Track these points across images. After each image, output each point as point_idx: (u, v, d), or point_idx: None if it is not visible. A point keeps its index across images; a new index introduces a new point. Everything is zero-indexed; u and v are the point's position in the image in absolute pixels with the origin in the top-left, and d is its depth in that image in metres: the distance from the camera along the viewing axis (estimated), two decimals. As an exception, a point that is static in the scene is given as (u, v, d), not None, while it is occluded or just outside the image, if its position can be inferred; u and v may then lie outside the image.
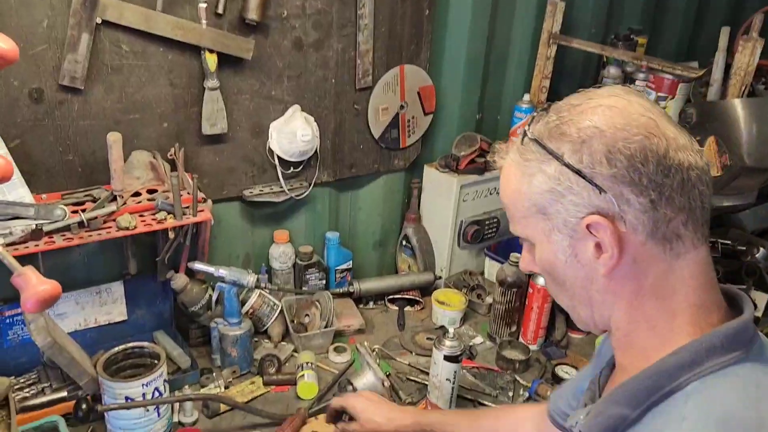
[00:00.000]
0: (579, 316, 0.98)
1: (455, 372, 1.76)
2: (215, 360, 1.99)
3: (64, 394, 1.67)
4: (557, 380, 2.03)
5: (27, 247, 1.60)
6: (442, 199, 2.43)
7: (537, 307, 2.14)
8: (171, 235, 1.81)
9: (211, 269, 1.89)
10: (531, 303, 2.15)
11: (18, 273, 1.04)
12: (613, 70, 2.37)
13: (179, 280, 1.92)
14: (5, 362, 1.79)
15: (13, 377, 1.73)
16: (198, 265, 1.90)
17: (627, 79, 2.34)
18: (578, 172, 0.85)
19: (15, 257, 1.48)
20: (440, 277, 2.48)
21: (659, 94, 2.27)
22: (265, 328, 2.13)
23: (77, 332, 1.89)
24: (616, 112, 0.86)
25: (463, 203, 2.43)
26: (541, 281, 2.15)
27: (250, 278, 1.90)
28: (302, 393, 1.88)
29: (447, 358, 1.74)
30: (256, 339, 2.08)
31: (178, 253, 1.95)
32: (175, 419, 1.75)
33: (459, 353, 1.76)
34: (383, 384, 1.80)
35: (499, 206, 2.53)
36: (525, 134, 0.93)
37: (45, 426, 1.62)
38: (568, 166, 0.86)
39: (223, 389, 1.88)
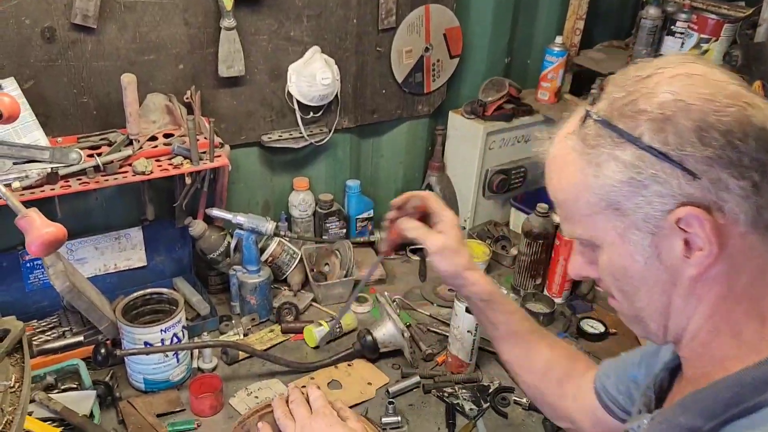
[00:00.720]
0: (647, 327, 0.84)
1: (476, 324, 1.72)
2: (234, 307, 1.98)
3: (83, 338, 1.67)
4: (582, 334, 1.98)
5: (43, 191, 1.57)
6: (468, 147, 2.35)
7: (563, 260, 2.08)
8: (188, 180, 1.77)
9: (229, 216, 1.86)
10: (557, 255, 2.08)
11: (22, 215, 1.01)
12: (652, 11, 2.22)
13: (197, 227, 1.89)
14: (26, 306, 1.80)
15: (34, 320, 1.75)
16: (216, 212, 1.87)
17: (668, 20, 2.20)
18: (664, 156, 0.71)
19: (32, 201, 1.47)
20: (464, 228, 2.42)
21: (702, 36, 2.13)
22: (285, 276, 2.10)
23: (97, 277, 1.89)
24: (698, 80, 0.73)
25: (489, 151, 2.35)
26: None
27: (268, 225, 1.87)
28: (307, 338, 1.86)
29: (469, 309, 1.70)
30: (275, 287, 2.06)
31: (195, 199, 1.92)
32: (194, 365, 1.75)
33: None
34: (403, 335, 1.77)
35: (527, 155, 2.45)
36: (588, 116, 0.78)
37: (65, 369, 1.63)
38: (650, 149, 0.72)
39: (241, 336, 1.87)
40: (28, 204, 1.09)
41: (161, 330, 1.59)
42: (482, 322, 1.33)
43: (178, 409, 1.62)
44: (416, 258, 2.34)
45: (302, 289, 2.11)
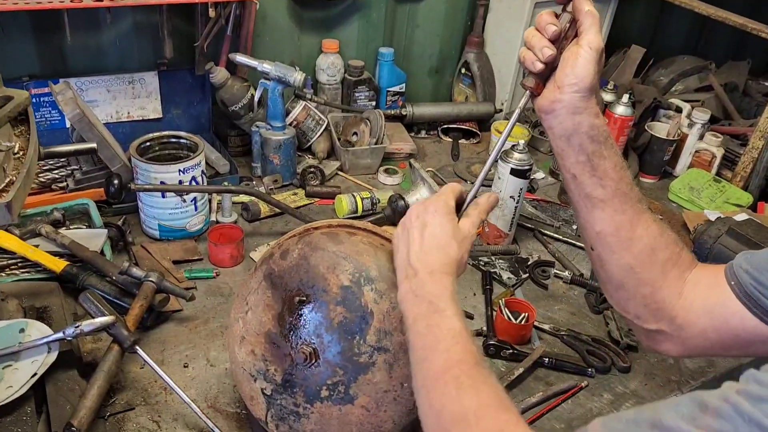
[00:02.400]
0: None
1: (521, 189, 1.58)
2: (255, 169, 1.83)
3: (96, 175, 1.54)
4: (627, 217, 1.84)
5: (51, 2, 1.40)
6: (512, 22, 2.16)
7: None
8: (212, 13, 1.60)
9: (254, 63, 1.69)
10: (605, 135, 1.92)
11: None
12: None
13: (219, 74, 1.72)
14: (32, 148, 1.66)
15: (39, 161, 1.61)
16: (240, 58, 1.70)
17: None
18: None
19: (36, 11, 1.30)
20: (501, 111, 2.25)
21: None
22: (309, 144, 1.95)
23: (109, 125, 1.73)
24: None
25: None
26: (619, 110, 1.92)
27: (297, 76, 1.70)
28: (338, 208, 1.73)
29: (514, 172, 1.56)
30: (299, 155, 1.92)
31: (218, 44, 1.75)
32: (213, 218, 1.63)
33: (527, 168, 1.57)
34: (439, 198, 1.63)
35: (574, 36, 2.25)
36: None
37: (75, 208, 1.50)
38: None
39: (263, 196, 1.73)
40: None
41: (179, 170, 1.45)
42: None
43: (195, 258, 1.50)
44: (448, 139, 2.19)
45: (327, 158, 1.96)
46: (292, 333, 0.96)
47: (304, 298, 0.95)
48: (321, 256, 0.97)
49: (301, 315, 0.95)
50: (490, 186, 1.65)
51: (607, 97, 1.99)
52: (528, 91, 0.93)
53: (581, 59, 0.87)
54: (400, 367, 0.92)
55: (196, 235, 1.57)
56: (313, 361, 0.94)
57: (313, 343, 0.94)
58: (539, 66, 0.89)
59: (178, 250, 1.51)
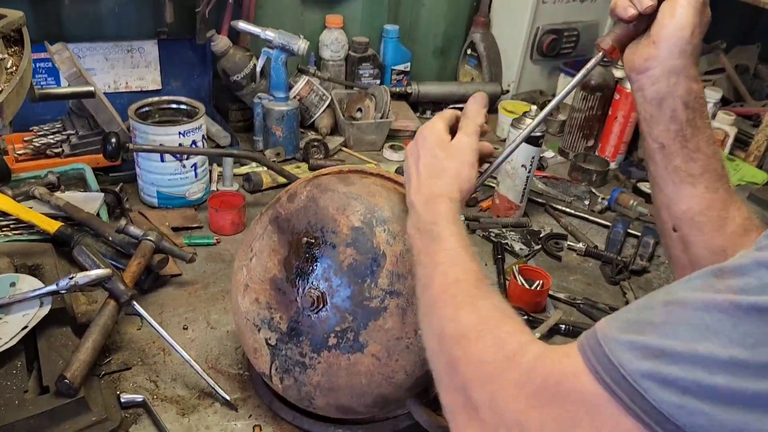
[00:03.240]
0: None
1: (533, 158, 1.53)
2: (257, 143, 1.78)
3: (93, 140, 1.48)
4: (639, 193, 1.80)
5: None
6: (519, 1, 2.12)
7: (622, 117, 1.87)
8: (214, -23, 1.55)
9: (257, 30, 1.65)
10: (615, 111, 1.88)
11: None
12: None
13: (221, 42, 1.68)
14: (26, 118, 1.60)
15: (35, 126, 1.55)
16: (242, 25, 1.65)
17: None
18: None
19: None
20: (507, 92, 2.21)
21: None
22: (313, 120, 1.90)
23: (107, 95, 1.67)
24: None
25: (542, 5, 2.11)
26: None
27: (300, 44, 1.65)
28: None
29: (527, 138, 1.50)
30: (302, 131, 1.87)
31: (220, 12, 1.70)
32: (213, 188, 1.57)
33: (540, 134, 1.52)
34: (448, 168, 1.58)
35: (582, 18, 2.22)
36: None
37: (70, 173, 1.45)
38: None
39: (265, 169, 1.68)
40: None
41: (179, 133, 1.40)
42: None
43: (194, 225, 1.44)
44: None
45: (331, 134, 1.91)
46: (298, 278, 0.90)
47: (312, 240, 0.89)
48: (330, 197, 0.91)
49: (309, 258, 0.89)
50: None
51: (618, 73, 1.95)
52: (600, 53, 0.86)
53: (681, 8, 0.78)
54: (413, 312, 0.85)
55: (195, 204, 1.51)
56: (321, 306, 0.88)
57: (321, 288, 0.88)
58: (632, 12, 0.80)
59: (177, 218, 1.45)
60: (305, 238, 0.89)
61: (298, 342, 0.90)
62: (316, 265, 0.89)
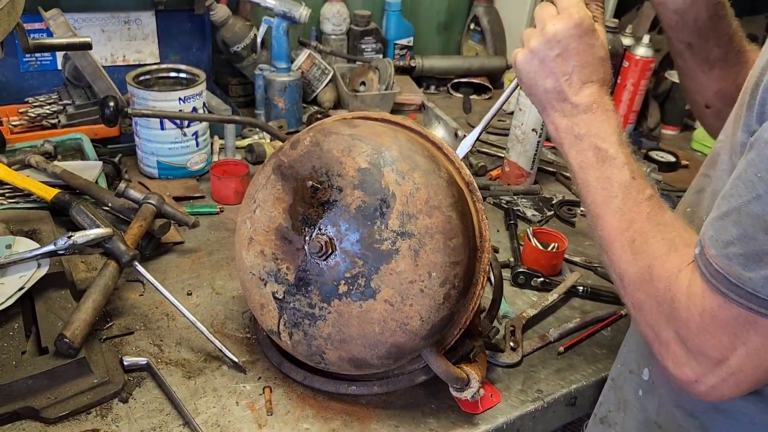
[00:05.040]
0: None
1: (543, 122, 1.48)
2: (259, 116, 1.74)
3: (90, 110, 1.43)
4: (650, 159, 1.75)
5: None
6: (522, -28, 2.08)
7: (631, 85, 1.83)
8: (212, -58, 1.51)
9: (257, -2, 1.61)
10: (625, 79, 1.84)
11: None
12: None
13: (220, 11, 1.63)
14: (21, 90, 1.56)
15: (30, 97, 1.51)
16: (242, -8, 1.61)
17: None
18: None
19: None
20: (510, 68, 2.16)
21: None
22: (315, 94, 1.86)
23: (104, 68, 1.63)
24: None
25: (546, -25, 2.07)
26: (640, 51, 1.83)
27: (302, 11, 1.61)
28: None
29: (536, 101, 1.46)
30: (304, 106, 1.82)
31: (218, -18, 1.66)
32: (215, 159, 1.52)
33: (551, 97, 1.47)
34: (456, 134, 1.54)
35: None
36: None
37: (67, 144, 1.41)
38: None
39: (268, 140, 1.63)
40: None
41: (180, 99, 1.36)
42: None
43: (197, 195, 1.40)
44: (459, 95, 2.10)
45: (334, 109, 1.87)
46: (305, 225, 0.85)
47: (318, 185, 0.85)
48: (335, 140, 0.86)
49: (315, 203, 0.85)
50: (507, 132, 1.55)
51: (626, 41, 1.90)
52: None
53: None
54: (426, 253, 0.81)
55: (197, 174, 1.47)
56: (329, 251, 0.83)
57: (329, 233, 0.83)
58: None
59: (178, 188, 1.41)
60: (310, 182, 0.85)
61: (306, 292, 0.85)
62: (323, 210, 0.84)
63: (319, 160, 0.86)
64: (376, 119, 0.94)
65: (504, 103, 0.99)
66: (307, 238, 0.85)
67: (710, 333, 0.63)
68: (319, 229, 0.84)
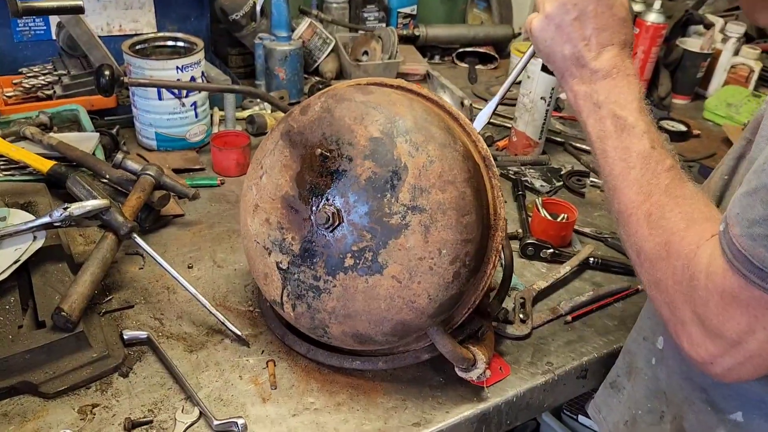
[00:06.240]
0: None
1: (552, 89, 1.44)
2: (259, 87, 1.70)
3: (86, 81, 1.40)
4: (661, 129, 1.71)
5: None
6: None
7: (642, 52, 1.78)
8: None
9: (256, -37, 1.56)
10: (635, 47, 1.78)
11: None
12: None
13: (218, -22, 1.58)
14: (15, 61, 1.51)
15: (24, 67, 1.47)
16: (241, -42, 1.56)
17: None
18: None
19: None
20: (519, 34, 2.11)
21: None
22: (317, 64, 1.81)
23: (99, 38, 1.59)
24: None
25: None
26: (651, 17, 1.77)
27: (303, -23, 1.56)
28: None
29: (545, 68, 1.41)
30: (305, 77, 1.78)
31: (216, -54, 1.60)
32: (215, 131, 1.49)
33: (560, 64, 1.43)
34: (462, 104, 1.50)
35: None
36: None
37: (63, 115, 1.37)
38: None
39: (269, 112, 1.59)
40: None
41: (177, 67, 1.31)
42: None
43: (196, 167, 1.37)
44: (464, 65, 2.05)
45: (336, 79, 1.82)
46: (312, 194, 0.82)
47: (327, 153, 0.81)
48: (347, 107, 0.82)
49: (323, 172, 0.81)
50: (514, 103, 1.51)
51: (637, 7, 1.85)
52: None
53: None
54: (437, 230, 0.78)
55: (196, 146, 1.43)
56: (336, 223, 0.80)
57: (337, 204, 0.80)
58: None
59: (177, 159, 1.37)
60: (319, 150, 0.81)
61: (311, 264, 0.82)
62: (331, 180, 0.81)
63: (329, 128, 0.82)
64: (391, 86, 0.90)
65: (521, 72, 0.96)
66: (314, 208, 0.82)
67: (729, 314, 0.60)
68: (327, 200, 0.81)
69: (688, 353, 0.65)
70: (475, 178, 0.81)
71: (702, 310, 0.62)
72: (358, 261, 0.80)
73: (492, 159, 0.86)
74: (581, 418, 1.74)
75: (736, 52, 1.91)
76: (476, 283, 0.84)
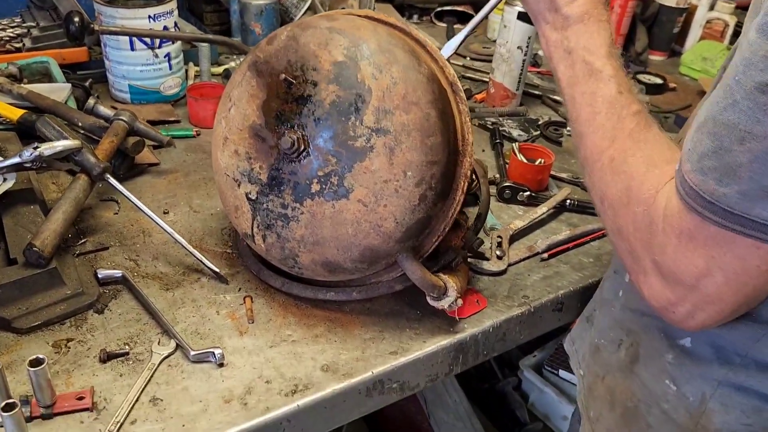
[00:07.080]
0: None
1: (529, 38, 1.44)
2: (236, 44, 1.68)
3: (56, 33, 1.37)
4: (638, 81, 1.72)
5: None
6: None
7: (619, 6, 1.78)
8: None
9: None
10: (612, 2, 1.79)
11: None
12: None
13: (190, -70, 1.55)
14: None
15: (-7, 22, 1.44)
16: None
17: None
18: None
19: None
20: (499, -7, 2.10)
21: None
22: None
23: (70, -5, 1.56)
24: None
25: None
26: (628, -30, 1.77)
27: (277, -72, 1.54)
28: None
29: (522, 16, 1.41)
30: (282, 35, 1.76)
31: None
32: (191, 82, 1.47)
33: (536, 12, 1.42)
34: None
35: None
36: None
37: (33, 67, 1.35)
38: None
39: (245, 67, 1.57)
40: None
41: (149, 16, 1.30)
42: None
43: (172, 119, 1.35)
44: (442, 24, 2.04)
45: (314, 37, 1.80)
46: (278, 122, 0.82)
47: (292, 79, 0.81)
48: (312, 33, 0.82)
49: (288, 99, 0.81)
50: (491, 59, 1.50)
51: (614, -39, 1.84)
52: None
53: None
54: (402, 151, 0.78)
55: (171, 99, 1.41)
56: (301, 148, 0.79)
57: (303, 130, 0.80)
58: None
59: (152, 112, 1.36)
60: (283, 75, 0.81)
61: (279, 192, 0.82)
62: (297, 106, 0.80)
63: (295, 54, 0.81)
64: (359, 15, 0.89)
65: (494, 6, 0.95)
66: (280, 134, 0.81)
67: (686, 257, 0.59)
68: (293, 126, 0.80)
69: (649, 301, 0.65)
70: (440, 100, 0.81)
71: (660, 257, 0.61)
72: (324, 186, 0.80)
73: (459, 85, 0.86)
74: (562, 372, 1.77)
75: (712, 7, 1.92)
76: (445, 209, 0.84)
